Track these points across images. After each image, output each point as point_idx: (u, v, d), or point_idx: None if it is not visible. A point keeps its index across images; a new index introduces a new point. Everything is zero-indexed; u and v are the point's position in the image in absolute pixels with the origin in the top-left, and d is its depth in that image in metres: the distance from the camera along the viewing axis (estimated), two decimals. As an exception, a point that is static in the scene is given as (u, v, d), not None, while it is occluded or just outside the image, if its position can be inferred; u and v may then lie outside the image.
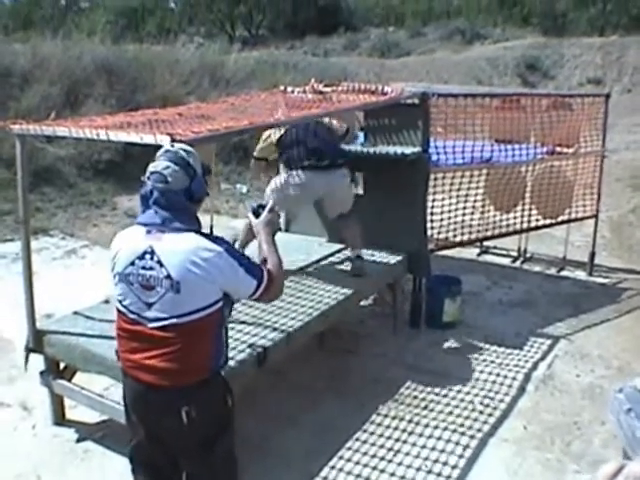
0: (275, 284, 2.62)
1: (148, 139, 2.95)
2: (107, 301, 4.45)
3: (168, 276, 2.40)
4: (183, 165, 2.49)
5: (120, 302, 2.54)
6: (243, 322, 4.02)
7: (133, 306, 2.49)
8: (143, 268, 2.44)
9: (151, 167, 2.51)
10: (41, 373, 4.03)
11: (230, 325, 3.14)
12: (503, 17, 28.75)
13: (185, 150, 2.56)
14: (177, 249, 2.42)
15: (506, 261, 7.49)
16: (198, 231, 2.50)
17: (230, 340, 3.00)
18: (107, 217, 8.79)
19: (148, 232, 2.47)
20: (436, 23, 29.81)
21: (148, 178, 2.49)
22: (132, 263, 2.46)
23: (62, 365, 4.00)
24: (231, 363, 3.19)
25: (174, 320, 2.43)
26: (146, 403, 2.54)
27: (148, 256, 2.43)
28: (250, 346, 3.69)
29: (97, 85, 10.29)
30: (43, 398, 4.18)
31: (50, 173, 9.29)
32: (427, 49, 25.99)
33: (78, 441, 4.00)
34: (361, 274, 4.95)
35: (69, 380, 4.00)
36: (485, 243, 7.69)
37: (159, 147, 2.64)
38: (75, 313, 4.23)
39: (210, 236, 2.53)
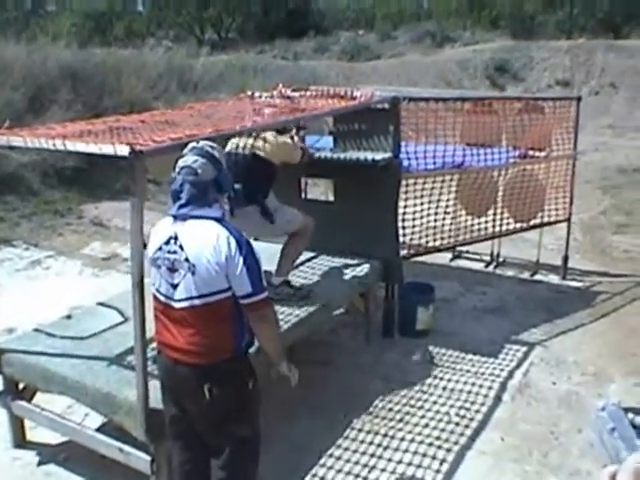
0: (269, 315, 2.79)
1: (107, 150, 2.80)
2: (69, 316, 4.30)
3: (187, 259, 2.61)
4: (210, 158, 2.70)
5: (154, 285, 2.76)
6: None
7: (163, 288, 2.71)
8: (169, 252, 2.67)
9: (180, 162, 2.71)
10: (-1, 394, 3.85)
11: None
12: (472, 20, 28.89)
13: (210, 145, 2.77)
14: (196, 234, 2.63)
15: (479, 266, 7.43)
16: (220, 221, 2.68)
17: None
18: (73, 226, 8.55)
19: (175, 219, 2.69)
20: (406, 26, 29.81)
21: (178, 173, 2.68)
22: (160, 248, 2.70)
23: (21, 385, 3.82)
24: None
25: (195, 301, 2.63)
26: (175, 379, 2.77)
27: (172, 241, 2.66)
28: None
29: (62, 90, 10.03)
30: (2, 420, 3.98)
31: (13, 180, 9.02)
32: (397, 52, 25.99)
33: (39, 464, 3.82)
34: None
35: (29, 401, 3.83)
36: (458, 248, 7.63)
37: (125, 159, 2.73)
38: (36, 330, 4.06)
39: (230, 228, 2.68)
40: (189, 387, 2.72)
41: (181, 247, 2.63)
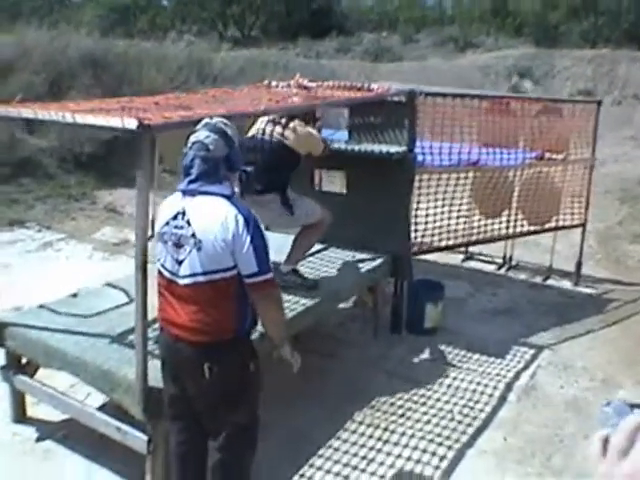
0: (274, 296, 2.75)
1: (115, 122, 2.78)
2: (75, 295, 4.29)
3: (193, 234, 2.58)
4: (222, 135, 2.66)
5: (159, 261, 2.73)
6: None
7: (168, 264, 2.67)
8: (175, 227, 2.64)
9: (192, 137, 2.67)
10: (1, 368, 3.85)
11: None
12: (496, 27, 28.69)
13: (223, 122, 2.73)
14: (205, 210, 2.60)
15: (491, 268, 7.35)
16: (230, 198, 2.64)
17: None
18: (86, 211, 8.58)
19: (184, 195, 2.66)
20: (429, 30, 29.72)
21: (190, 148, 2.65)
22: (167, 223, 2.67)
23: (24, 360, 3.81)
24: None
25: (200, 278, 2.59)
26: (175, 356, 2.73)
27: (180, 216, 2.63)
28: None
29: (82, 76, 10.08)
30: (3, 394, 3.98)
31: (30, 164, 9.07)
32: (419, 55, 25.91)
33: (38, 440, 3.81)
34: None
35: (31, 376, 3.82)
36: (470, 249, 7.56)
37: (133, 132, 2.70)
38: (41, 306, 4.05)
39: (239, 205, 2.65)
40: (189, 365, 2.69)
41: (188, 222, 2.60)
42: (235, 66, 13.99)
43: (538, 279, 7.03)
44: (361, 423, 4.11)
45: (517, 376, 4.81)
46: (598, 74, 20.99)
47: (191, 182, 2.65)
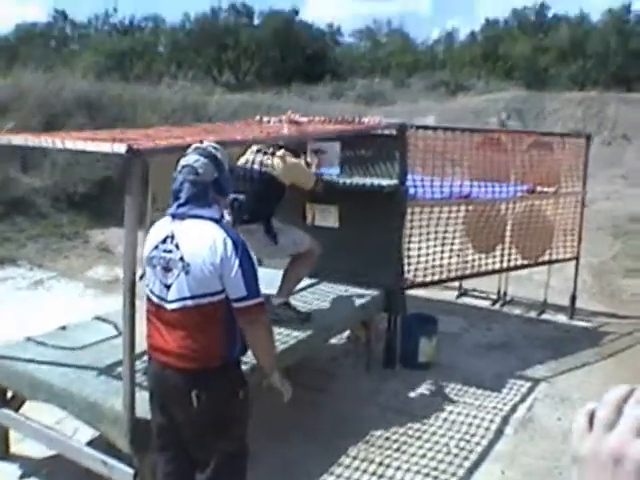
0: (263, 321, 2.68)
1: (105, 148, 2.78)
2: (64, 327, 4.23)
3: (182, 258, 2.55)
4: (212, 158, 2.65)
5: (147, 286, 2.70)
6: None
7: (156, 289, 2.64)
8: (164, 251, 2.61)
9: (182, 161, 2.66)
10: (-15, 402, 3.76)
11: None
12: (487, 70, 29.24)
13: (213, 147, 2.73)
14: (193, 233, 2.58)
15: (485, 304, 7.31)
16: (218, 222, 2.63)
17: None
18: (78, 249, 8.54)
19: (173, 218, 2.64)
20: (421, 74, 30.21)
21: (179, 172, 2.64)
22: (156, 247, 2.64)
23: (9, 394, 3.73)
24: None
25: (188, 302, 2.56)
26: (163, 384, 2.68)
27: (169, 240, 2.60)
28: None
29: (76, 116, 10.15)
30: (-14, 430, 3.88)
31: (23, 203, 9.06)
32: (411, 99, 26.27)
33: (22, 477, 3.71)
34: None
35: (16, 410, 3.73)
36: (464, 285, 7.53)
37: (122, 157, 2.72)
38: (28, 339, 3.99)
39: (228, 229, 2.65)
40: (177, 393, 2.63)
41: (177, 246, 2.58)
42: (229, 108, 14.12)
43: (533, 314, 6.98)
44: (355, 458, 4.01)
45: (514, 409, 4.73)
46: (588, 115, 21.28)
47: (180, 206, 2.63)
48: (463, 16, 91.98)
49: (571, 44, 27.76)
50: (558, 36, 30.10)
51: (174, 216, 2.65)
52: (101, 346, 3.86)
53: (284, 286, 4.53)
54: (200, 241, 2.55)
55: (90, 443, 3.62)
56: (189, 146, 2.78)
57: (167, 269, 2.59)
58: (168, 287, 2.59)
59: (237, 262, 2.53)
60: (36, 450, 3.80)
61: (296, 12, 38.79)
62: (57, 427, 3.87)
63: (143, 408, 2.96)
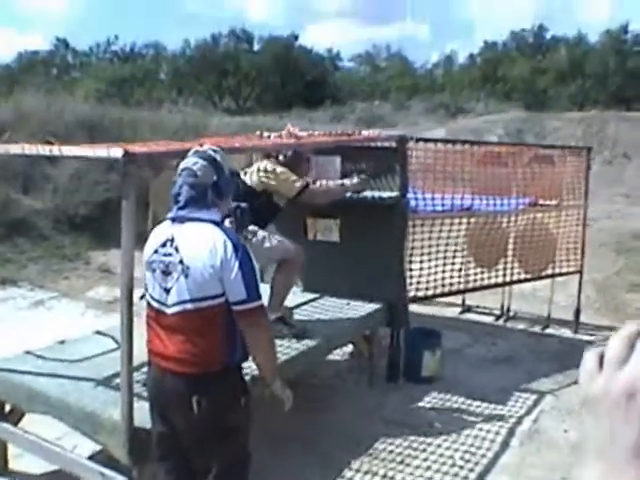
0: (264, 325, 2.64)
1: (101, 153, 2.77)
2: (62, 342, 4.19)
3: (181, 261, 2.52)
4: (211, 161, 2.63)
5: (147, 291, 2.67)
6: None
7: (156, 293, 2.61)
8: (164, 255, 2.58)
9: (182, 165, 2.65)
10: (-17, 416, 3.71)
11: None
12: (486, 92, 29.43)
13: (213, 149, 2.72)
14: (193, 236, 2.55)
15: (489, 319, 7.25)
16: (218, 224, 2.59)
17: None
18: (79, 270, 8.51)
19: (173, 222, 2.62)
20: (420, 97, 30.42)
21: (179, 175, 2.63)
22: (156, 251, 2.61)
23: (7, 408, 3.68)
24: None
25: (188, 306, 2.52)
26: (163, 389, 2.63)
27: (169, 243, 2.57)
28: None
29: (77, 138, 10.18)
30: (-16, 445, 3.82)
31: (24, 225, 9.06)
32: (412, 122, 26.42)
33: (19, 494, 3.64)
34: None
35: (15, 424, 3.67)
36: (467, 302, 7.48)
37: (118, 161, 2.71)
38: (27, 352, 3.94)
39: (228, 232, 2.61)
40: (177, 399, 2.58)
41: (176, 249, 2.55)
42: (230, 129, 14.17)
43: (537, 328, 6.92)
44: (358, 470, 3.94)
45: (520, 421, 4.65)
46: (588, 134, 21.33)
47: (180, 209, 2.61)
48: (462, 40, 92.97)
49: (570, 65, 27.95)
50: (557, 57, 30.34)
51: (174, 219, 2.63)
52: (99, 359, 3.82)
53: (273, 301, 4.37)
54: (200, 244, 2.52)
55: (90, 459, 3.56)
56: (187, 152, 2.76)
57: (167, 273, 2.56)
58: (168, 291, 2.56)
59: (237, 264, 2.49)
60: (35, 466, 3.73)
61: (295, 37, 39.25)
62: (56, 443, 3.83)
63: (142, 417, 2.92)
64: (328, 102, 31.78)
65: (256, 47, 38.86)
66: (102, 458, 3.37)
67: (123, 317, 2.76)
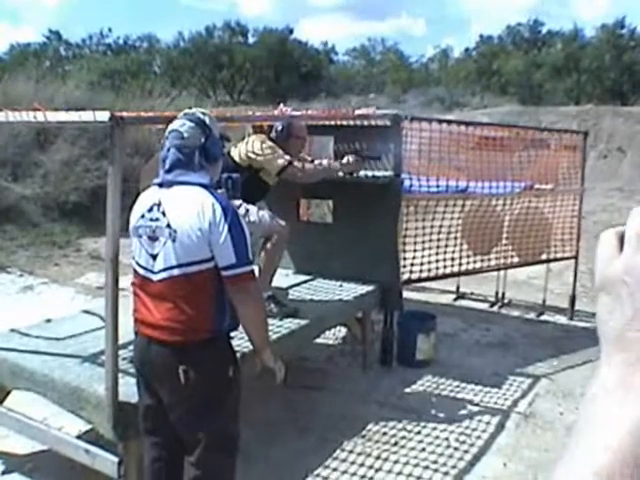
0: (253, 291, 2.55)
1: (87, 117, 2.67)
2: (49, 320, 4.10)
3: (168, 225, 2.44)
4: (199, 123, 2.56)
5: (133, 258, 2.59)
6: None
7: (142, 260, 2.54)
8: (150, 220, 2.50)
9: (169, 127, 2.58)
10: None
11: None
12: (482, 86, 29.37)
13: (202, 112, 2.65)
14: (180, 200, 2.46)
15: (483, 306, 7.18)
16: (207, 187, 2.51)
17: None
18: (70, 257, 8.40)
19: (160, 187, 2.54)
20: (416, 90, 30.34)
21: (166, 138, 2.56)
22: (142, 216, 2.54)
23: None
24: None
25: (174, 271, 2.44)
26: (149, 359, 2.55)
27: (155, 208, 2.49)
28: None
29: (68, 127, 10.06)
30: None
31: (14, 212, 8.94)
32: (407, 115, 26.35)
33: (4, 473, 3.55)
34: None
35: (-1, 403, 3.58)
36: (461, 289, 7.42)
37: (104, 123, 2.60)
38: (12, 330, 3.85)
39: (216, 195, 2.53)
40: (163, 369, 2.51)
41: (163, 213, 2.47)
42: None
43: (532, 315, 6.86)
44: (351, 452, 3.86)
45: (515, 404, 4.58)
46: (583, 128, 21.19)
47: (166, 172, 2.53)
48: (457, 34, 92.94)
49: (565, 59, 27.89)
50: (552, 52, 30.29)
51: (161, 184, 2.54)
52: (86, 337, 3.72)
53: (262, 278, 4.21)
54: (187, 207, 2.44)
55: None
56: (175, 118, 2.68)
57: (153, 238, 2.49)
58: (154, 257, 2.49)
59: (226, 227, 2.41)
60: (18, 446, 3.65)
61: (290, 31, 39.08)
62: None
63: (127, 392, 2.83)
64: (323, 95, 31.67)
65: (250, 40, 38.67)
66: (89, 438, 3.29)
67: (108, 278, 2.68)
